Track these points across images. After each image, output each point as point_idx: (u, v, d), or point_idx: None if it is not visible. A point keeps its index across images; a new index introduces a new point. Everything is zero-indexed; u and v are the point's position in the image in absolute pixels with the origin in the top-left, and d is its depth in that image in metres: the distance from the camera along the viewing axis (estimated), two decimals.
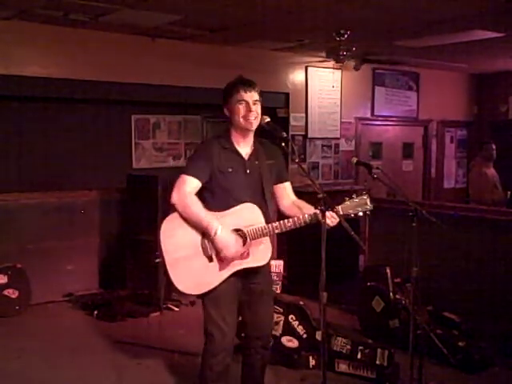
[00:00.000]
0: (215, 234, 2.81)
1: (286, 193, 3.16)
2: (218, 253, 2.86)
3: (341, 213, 2.85)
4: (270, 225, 2.89)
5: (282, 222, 2.90)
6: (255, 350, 3.15)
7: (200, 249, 2.88)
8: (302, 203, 3.09)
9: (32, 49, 5.57)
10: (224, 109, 3.01)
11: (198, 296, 3.00)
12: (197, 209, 2.86)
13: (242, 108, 2.92)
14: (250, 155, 3.01)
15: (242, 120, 2.93)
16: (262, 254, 2.93)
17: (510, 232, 4.46)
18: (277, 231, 2.90)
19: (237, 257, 2.87)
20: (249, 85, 2.95)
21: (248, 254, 2.90)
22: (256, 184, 2.99)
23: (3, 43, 5.39)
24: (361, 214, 2.94)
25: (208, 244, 2.87)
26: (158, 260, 2.97)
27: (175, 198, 2.88)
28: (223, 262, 2.88)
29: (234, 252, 2.85)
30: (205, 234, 2.87)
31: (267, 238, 2.92)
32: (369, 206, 2.93)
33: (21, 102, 6.17)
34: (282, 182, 3.15)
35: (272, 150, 3.09)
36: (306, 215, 2.88)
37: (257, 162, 3.01)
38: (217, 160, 2.93)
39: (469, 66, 8.45)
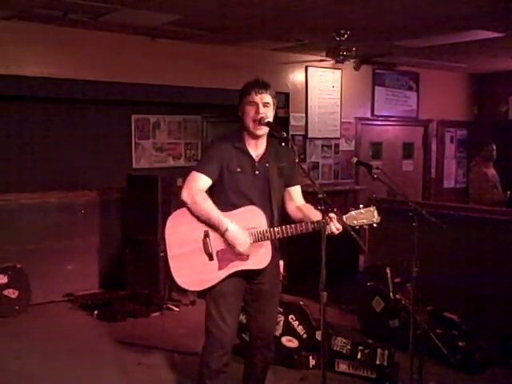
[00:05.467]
0: (226, 229, 2.80)
1: (293, 196, 3.12)
2: (218, 252, 2.85)
3: (345, 221, 2.81)
4: (271, 229, 2.87)
5: (284, 227, 2.87)
6: (258, 351, 3.15)
7: (201, 245, 2.87)
8: (309, 209, 3.03)
9: (32, 49, 5.57)
10: (238, 110, 2.98)
11: (199, 294, 2.99)
12: (207, 206, 2.84)
13: (251, 110, 2.89)
14: (261, 157, 2.99)
15: (251, 123, 2.90)
16: (261, 257, 2.90)
17: (510, 232, 4.46)
18: (278, 236, 2.87)
19: (246, 252, 2.83)
20: (261, 86, 2.90)
21: (248, 256, 2.89)
22: (264, 186, 2.96)
23: (3, 43, 5.40)
24: (366, 226, 2.89)
25: (209, 242, 2.86)
26: (162, 254, 2.96)
27: (185, 195, 2.86)
28: (223, 261, 2.87)
29: (247, 247, 2.82)
30: (208, 233, 2.86)
31: (268, 242, 2.90)
32: (375, 218, 2.88)
33: (21, 101, 6.17)
34: (290, 186, 3.12)
35: (285, 153, 3.04)
36: (309, 223, 2.85)
37: (267, 165, 2.98)
38: (227, 159, 2.92)
39: (469, 66, 8.45)
